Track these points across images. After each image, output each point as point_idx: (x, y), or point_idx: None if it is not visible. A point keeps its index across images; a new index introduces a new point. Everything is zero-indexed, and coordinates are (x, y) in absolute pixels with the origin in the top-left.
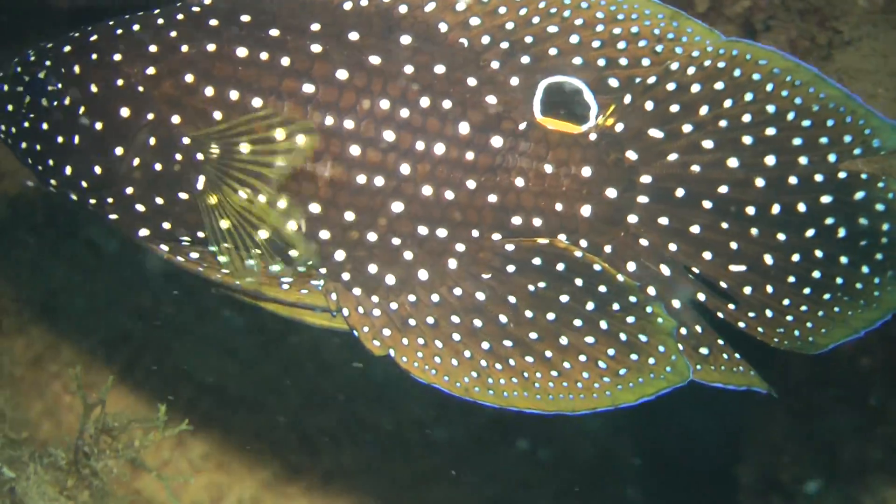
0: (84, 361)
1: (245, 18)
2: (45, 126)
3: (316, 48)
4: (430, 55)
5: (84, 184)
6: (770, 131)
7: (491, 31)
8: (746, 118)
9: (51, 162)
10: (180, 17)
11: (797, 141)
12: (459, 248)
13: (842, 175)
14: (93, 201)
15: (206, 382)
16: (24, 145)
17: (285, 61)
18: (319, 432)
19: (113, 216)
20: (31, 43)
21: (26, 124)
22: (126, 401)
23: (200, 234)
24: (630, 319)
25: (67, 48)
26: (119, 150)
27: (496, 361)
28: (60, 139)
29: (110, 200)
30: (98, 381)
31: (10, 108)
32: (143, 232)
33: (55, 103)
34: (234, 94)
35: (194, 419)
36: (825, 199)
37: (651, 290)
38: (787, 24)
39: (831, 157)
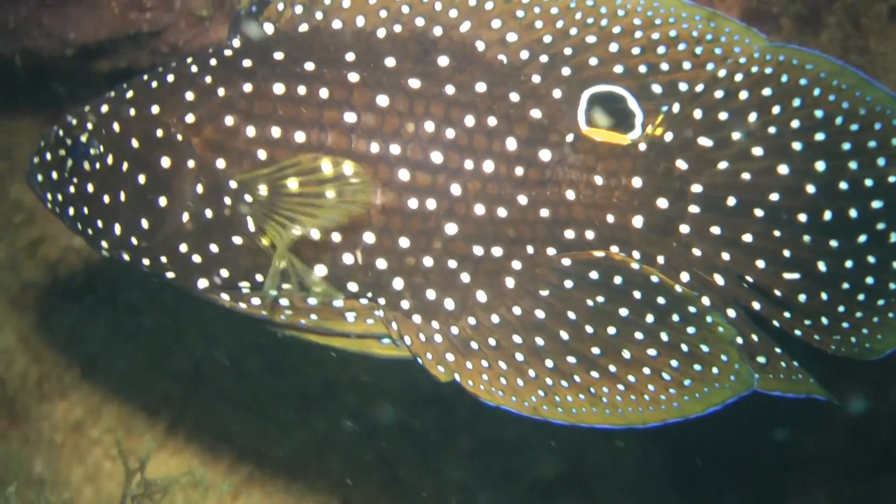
0: (125, 426)
1: (278, 56)
2: (90, 188)
3: (353, 77)
4: (471, 74)
5: (135, 241)
6: (819, 136)
7: (529, 45)
8: (795, 124)
9: (100, 223)
10: (213, 62)
11: (846, 146)
12: (516, 265)
13: (892, 179)
14: (146, 260)
15: (247, 446)
16: (71, 211)
17: (324, 93)
18: (360, 497)
19: (169, 273)
20: (69, 109)
21: (72, 189)
22: (167, 465)
23: (259, 278)
24: (691, 330)
25: (105, 108)
26: (164, 201)
27: (562, 379)
28: (107, 199)
29: (164, 257)
30: (139, 445)
31: (54, 175)
32: (202, 283)
33: (97, 165)
34: (276, 131)
35: (235, 482)
36: (876, 203)
37: (706, 300)
38: None
39: (880, 161)
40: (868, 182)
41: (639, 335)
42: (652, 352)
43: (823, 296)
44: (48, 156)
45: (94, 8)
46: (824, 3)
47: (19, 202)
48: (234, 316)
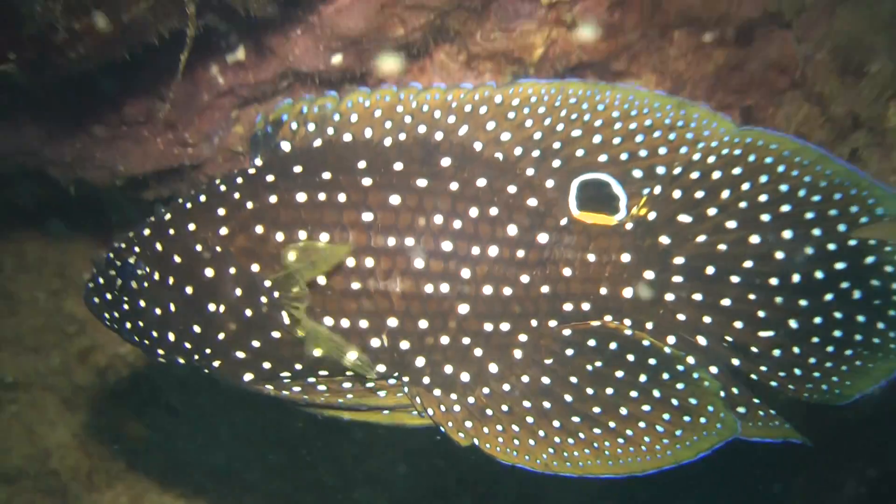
0: None
1: (297, 169)
2: (142, 304)
3: (367, 181)
4: (471, 171)
5: (188, 345)
6: (785, 208)
7: (521, 142)
8: (763, 198)
9: (154, 334)
10: (239, 180)
11: (809, 215)
12: (522, 338)
13: (852, 243)
14: (197, 358)
15: None
16: (128, 325)
17: (342, 197)
18: None
19: (218, 369)
20: (118, 234)
21: (126, 307)
22: None
23: (298, 367)
24: (680, 386)
25: (147, 231)
26: (212, 307)
27: (568, 437)
28: (158, 311)
29: (212, 353)
30: None
31: (108, 296)
32: (248, 376)
33: (145, 284)
34: (302, 234)
35: None
36: (839, 265)
37: (691, 360)
38: None
39: (841, 227)
40: (831, 246)
41: (634, 393)
42: (646, 407)
43: (796, 350)
44: (101, 280)
45: (142, 143)
46: None
47: (72, 314)
48: (266, 416)
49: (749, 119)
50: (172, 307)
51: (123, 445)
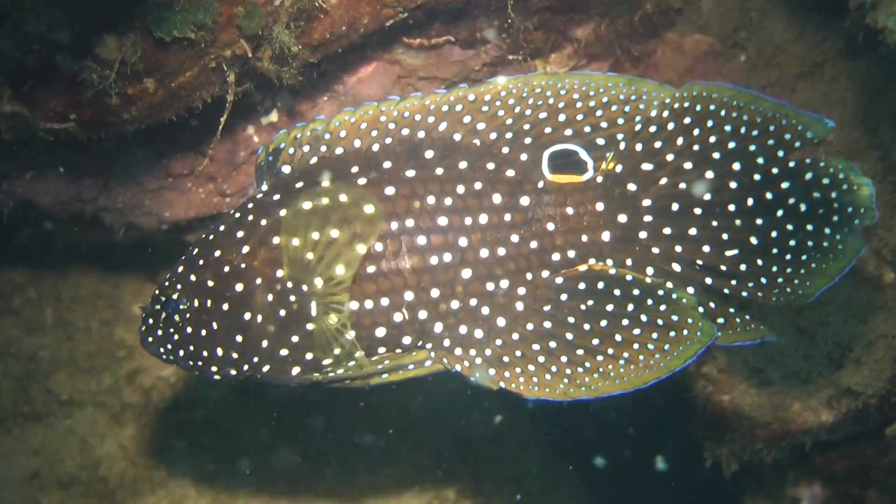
0: None
1: (299, 185)
2: (189, 330)
3: (361, 181)
4: (453, 158)
5: (235, 355)
6: (731, 145)
7: (496, 129)
8: (712, 139)
9: (205, 353)
10: (250, 205)
11: (752, 147)
12: (521, 291)
13: (792, 164)
14: (246, 368)
15: None
16: (181, 353)
17: (343, 199)
18: None
19: (267, 370)
20: (163, 272)
21: (176, 337)
22: None
23: (337, 352)
24: (662, 308)
25: (181, 268)
26: (248, 315)
27: (577, 367)
28: (204, 332)
29: (259, 360)
30: None
31: (159, 333)
32: (296, 371)
33: (188, 314)
34: (315, 235)
35: None
36: (784, 185)
37: (669, 284)
38: None
39: (780, 153)
40: (775, 170)
41: (625, 322)
42: (637, 331)
43: (759, 262)
44: (150, 321)
45: (185, 193)
46: None
47: (122, 341)
48: (289, 431)
49: None
50: (215, 325)
51: (164, 456)
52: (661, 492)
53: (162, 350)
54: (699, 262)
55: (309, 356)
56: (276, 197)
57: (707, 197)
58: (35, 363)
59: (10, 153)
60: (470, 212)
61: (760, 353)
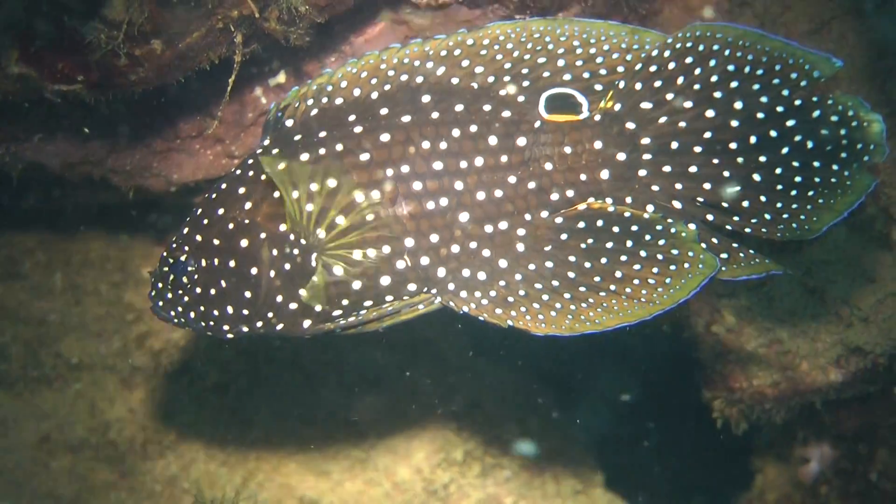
0: (209, 480)
1: (297, 138)
2: (198, 290)
3: (358, 129)
4: (449, 101)
5: (245, 311)
6: (734, 84)
7: (494, 72)
8: (714, 78)
9: (216, 312)
10: (250, 161)
11: (756, 86)
12: (521, 232)
13: (798, 102)
14: (259, 324)
15: (307, 496)
16: (192, 315)
17: (339, 147)
18: None
19: (279, 325)
20: (172, 235)
21: (186, 298)
22: None
23: (345, 302)
24: (661, 242)
25: (186, 229)
26: (255, 270)
27: (581, 302)
28: (213, 291)
29: (270, 314)
30: (220, 494)
31: (169, 295)
32: (307, 323)
33: (196, 274)
34: (314, 187)
35: None
36: (790, 122)
37: (668, 220)
38: None
39: (785, 92)
40: (779, 108)
41: (624, 258)
42: (637, 266)
43: (763, 198)
44: (159, 284)
45: (193, 155)
46: None
47: (131, 304)
48: (301, 395)
49: None
50: (223, 283)
51: (174, 420)
52: (671, 454)
53: (173, 313)
54: (700, 199)
55: (318, 308)
56: (275, 151)
57: (707, 135)
58: (44, 327)
59: (18, 115)
60: (465, 155)
61: (769, 312)
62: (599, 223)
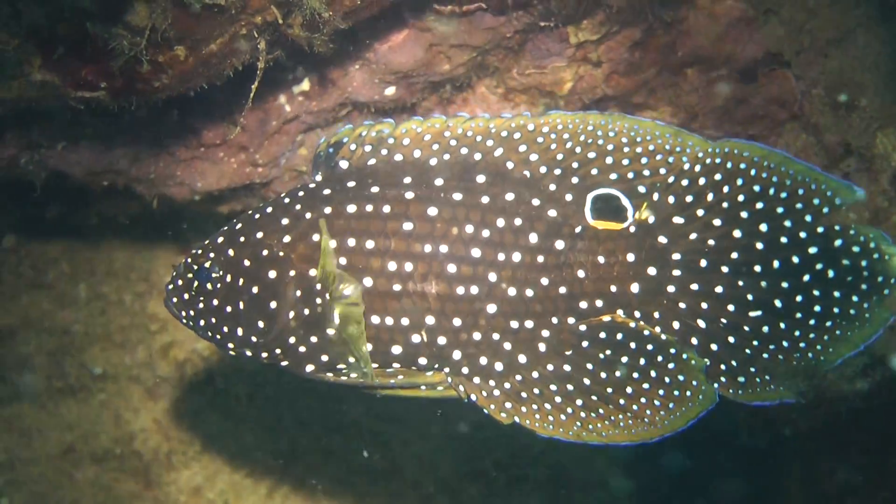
0: (234, 491)
1: (351, 184)
2: (215, 302)
3: (409, 195)
4: (501, 187)
5: (254, 339)
6: (759, 205)
7: (546, 163)
8: (741, 198)
9: (225, 329)
10: (301, 194)
11: (780, 209)
12: (545, 333)
13: (820, 229)
14: (264, 354)
15: None
16: (202, 323)
17: (386, 209)
18: None
19: (284, 362)
20: (197, 243)
21: (201, 305)
22: None
23: (351, 360)
24: (671, 366)
25: (221, 239)
26: (274, 304)
27: (591, 412)
28: (229, 308)
29: (278, 351)
30: None
31: (185, 296)
32: (309, 368)
33: (219, 284)
34: (351, 242)
35: None
36: (812, 249)
37: (694, 340)
38: None
39: (808, 218)
40: (802, 234)
41: (636, 375)
42: (646, 385)
43: (782, 325)
44: (180, 282)
45: (217, 164)
46: None
47: (155, 314)
48: (324, 406)
49: None
50: (241, 304)
51: (199, 430)
52: (700, 462)
53: (184, 313)
54: (724, 320)
55: (324, 358)
56: (326, 192)
57: (734, 256)
58: (69, 337)
59: (42, 123)
60: (505, 247)
61: None
62: (619, 336)
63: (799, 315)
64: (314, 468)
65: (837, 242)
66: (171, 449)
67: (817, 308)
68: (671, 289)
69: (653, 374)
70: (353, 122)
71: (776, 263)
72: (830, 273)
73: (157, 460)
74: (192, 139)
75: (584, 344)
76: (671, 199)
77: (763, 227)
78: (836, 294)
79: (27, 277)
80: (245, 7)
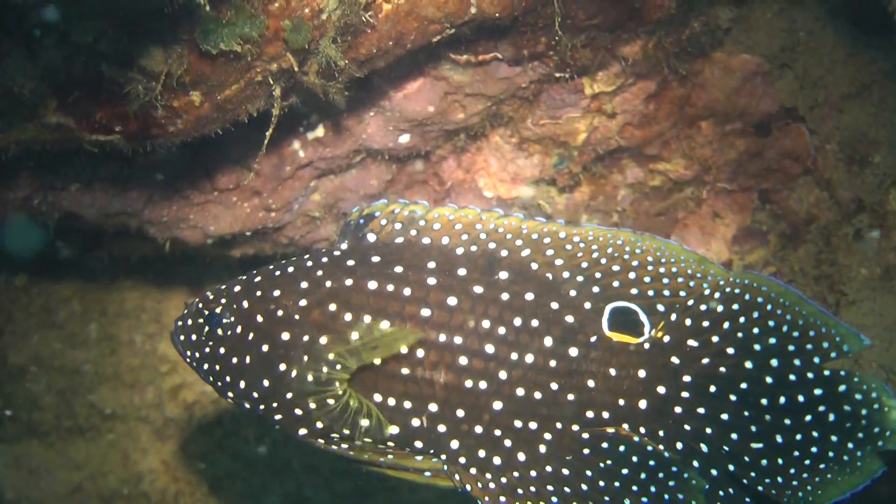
0: None
1: (375, 259)
2: (222, 350)
3: (431, 281)
4: (523, 286)
5: (255, 395)
6: (772, 340)
7: (570, 269)
8: (755, 330)
9: (228, 379)
10: (324, 259)
11: (791, 347)
12: (547, 436)
13: (826, 373)
14: (262, 408)
15: None
16: (206, 367)
17: (407, 291)
18: None
19: (278, 420)
20: (208, 286)
21: (207, 350)
22: None
23: (346, 432)
24: (671, 484)
25: (237, 288)
26: (283, 367)
27: None
28: (235, 360)
29: (276, 406)
30: None
31: (193, 337)
32: (303, 431)
33: (229, 332)
34: (367, 318)
35: None
36: (817, 391)
37: (695, 463)
38: (804, 287)
39: (816, 360)
40: (809, 375)
41: (635, 488)
42: (644, 500)
43: (780, 461)
44: (189, 322)
45: (230, 208)
46: (802, 224)
47: (165, 355)
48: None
49: (766, 200)
50: (248, 360)
51: (207, 472)
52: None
53: (188, 353)
54: (726, 447)
55: (319, 425)
56: (350, 263)
57: (743, 386)
58: (78, 377)
59: (56, 165)
60: (519, 347)
61: None
62: (622, 448)
63: (796, 453)
64: None
65: (842, 388)
66: (178, 490)
67: (814, 449)
68: (678, 410)
69: (652, 489)
70: (367, 169)
71: (782, 399)
72: (832, 417)
73: (165, 501)
74: (206, 183)
75: (585, 451)
76: (688, 322)
77: (774, 363)
78: (834, 438)
79: (38, 316)
80: (261, 54)
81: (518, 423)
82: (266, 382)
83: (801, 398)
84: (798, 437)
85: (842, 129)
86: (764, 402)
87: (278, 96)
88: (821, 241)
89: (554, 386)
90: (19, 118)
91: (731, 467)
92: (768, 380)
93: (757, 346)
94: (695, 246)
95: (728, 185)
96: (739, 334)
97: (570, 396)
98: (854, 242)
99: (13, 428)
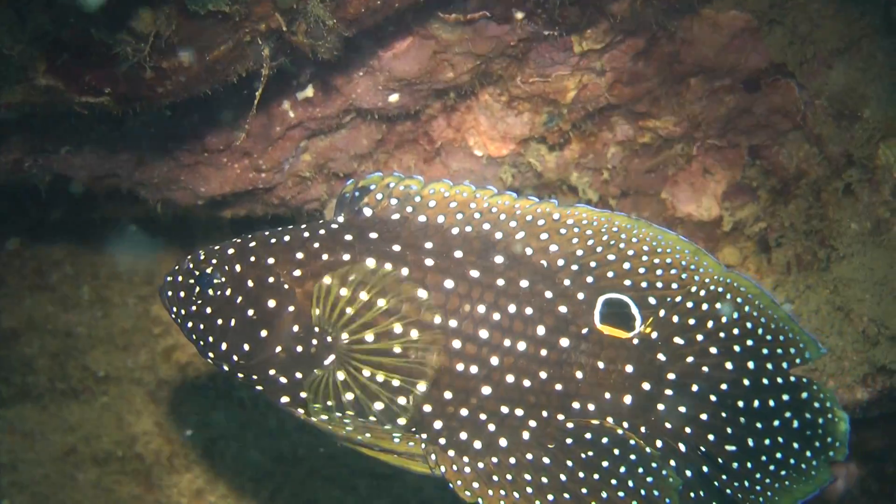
0: (235, 494)
1: (373, 235)
2: (208, 310)
3: (429, 262)
4: (518, 272)
5: (235, 358)
6: (749, 342)
7: (565, 256)
8: (736, 331)
9: (210, 339)
10: (322, 231)
11: (765, 351)
12: (532, 424)
13: (793, 379)
14: (241, 374)
15: None
16: (190, 325)
17: (405, 272)
18: None
19: (258, 387)
20: (199, 245)
21: (194, 308)
22: None
23: (329, 403)
24: (649, 479)
25: (231, 251)
26: (264, 334)
27: None
28: (220, 321)
29: (255, 375)
30: None
31: (181, 294)
32: (284, 399)
33: (218, 293)
34: (363, 296)
35: None
36: (785, 396)
37: (672, 462)
38: (794, 242)
39: (785, 365)
40: (779, 380)
41: (614, 481)
42: (621, 493)
43: (748, 465)
44: (179, 279)
45: (221, 169)
46: (792, 179)
47: (158, 317)
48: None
49: (756, 156)
50: (233, 322)
51: (201, 433)
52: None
53: (175, 309)
54: (702, 448)
55: (302, 395)
56: (348, 238)
57: (724, 387)
58: (71, 339)
59: (46, 127)
60: (512, 334)
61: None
62: (604, 441)
63: (763, 458)
64: (316, 472)
65: (804, 395)
66: (172, 452)
67: (779, 455)
68: (661, 407)
69: (630, 483)
70: (358, 131)
71: (756, 403)
72: (795, 423)
73: (159, 463)
74: (196, 144)
75: (568, 441)
76: (675, 319)
77: (751, 365)
78: (795, 445)
79: (31, 280)
80: (249, 14)
81: (504, 409)
82: (246, 347)
83: (771, 402)
84: (766, 441)
85: (831, 84)
86: (741, 404)
87: (267, 56)
88: (811, 196)
89: (543, 375)
90: (9, 80)
91: (705, 469)
92: (745, 382)
93: (737, 348)
94: (685, 202)
95: (718, 142)
96: (722, 334)
97: (558, 386)
98: (844, 197)
99: (7, 391)
